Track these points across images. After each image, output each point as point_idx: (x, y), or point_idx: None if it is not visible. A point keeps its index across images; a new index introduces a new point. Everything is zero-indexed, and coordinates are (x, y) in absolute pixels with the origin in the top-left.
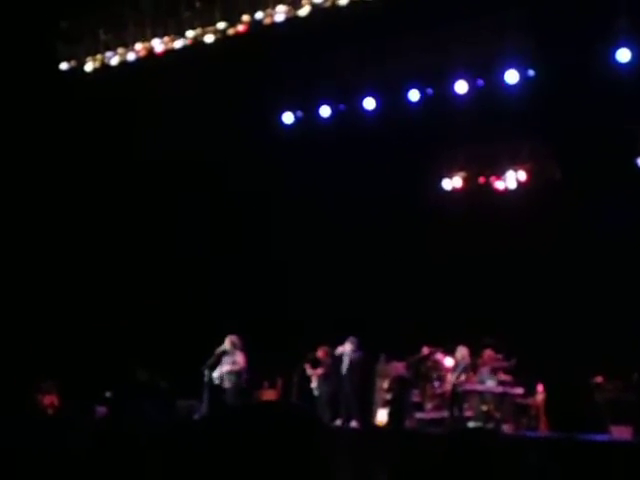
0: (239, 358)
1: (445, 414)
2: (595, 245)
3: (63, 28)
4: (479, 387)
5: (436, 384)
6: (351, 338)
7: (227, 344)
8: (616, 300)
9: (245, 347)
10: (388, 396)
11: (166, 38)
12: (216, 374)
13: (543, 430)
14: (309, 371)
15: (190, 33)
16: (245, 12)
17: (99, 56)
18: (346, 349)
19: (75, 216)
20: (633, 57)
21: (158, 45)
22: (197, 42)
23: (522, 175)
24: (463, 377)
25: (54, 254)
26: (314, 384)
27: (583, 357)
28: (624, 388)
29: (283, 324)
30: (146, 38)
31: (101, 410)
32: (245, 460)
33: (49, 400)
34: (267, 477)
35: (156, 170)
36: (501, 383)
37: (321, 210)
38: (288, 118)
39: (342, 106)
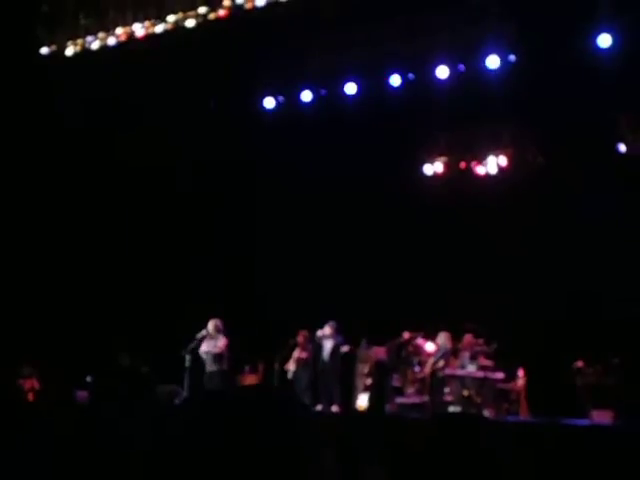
0: (221, 342)
1: (426, 399)
2: (576, 230)
3: (43, 12)
4: (460, 372)
5: (417, 369)
6: (330, 322)
7: (210, 327)
8: (597, 285)
9: (227, 331)
10: (369, 381)
11: (147, 23)
12: (203, 348)
13: (524, 415)
14: (295, 354)
15: (171, 17)
16: None
17: (80, 40)
18: (325, 333)
19: (55, 202)
20: (614, 43)
21: (139, 30)
22: (178, 27)
23: (503, 160)
24: (441, 363)
25: (33, 241)
26: (291, 367)
27: (564, 342)
28: (605, 373)
29: (264, 308)
30: (127, 22)
31: (82, 394)
32: (226, 444)
33: (29, 385)
34: (250, 459)
35: (137, 156)
36: (482, 368)
37: (303, 195)
38: (269, 103)
39: (323, 91)
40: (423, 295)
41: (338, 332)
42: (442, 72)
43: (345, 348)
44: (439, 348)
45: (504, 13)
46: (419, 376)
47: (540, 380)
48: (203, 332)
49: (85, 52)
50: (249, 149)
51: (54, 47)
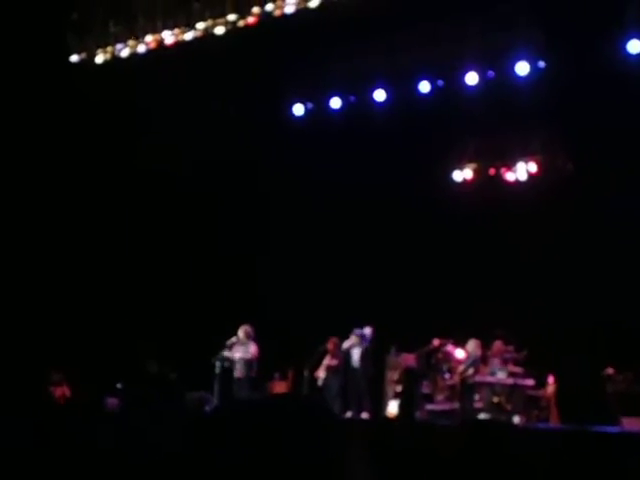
0: (252, 348)
1: (456, 406)
2: (606, 237)
3: (73, 20)
4: (490, 379)
5: (446, 376)
6: (355, 331)
7: (241, 333)
8: (628, 292)
9: (257, 338)
10: (398, 388)
11: (176, 30)
12: (227, 353)
13: (554, 422)
14: (325, 361)
15: (200, 25)
16: (255, 4)
17: (109, 48)
18: (352, 342)
19: (84, 207)
20: None
21: (168, 37)
22: (207, 34)
23: (532, 167)
24: (471, 370)
25: (62, 247)
26: (321, 375)
27: (594, 349)
28: (635, 380)
29: (294, 315)
30: (156, 30)
31: (112, 401)
32: (257, 452)
33: (60, 392)
34: (280, 469)
35: (165, 162)
36: (512, 375)
37: (331, 201)
38: (299, 110)
39: (352, 98)
40: (453, 302)
41: (364, 338)
42: (471, 78)
43: (367, 330)
44: (469, 355)
45: (533, 20)
46: (449, 383)
47: (570, 387)
48: (233, 339)
49: (115, 59)
50: (278, 155)
51: (84, 55)
